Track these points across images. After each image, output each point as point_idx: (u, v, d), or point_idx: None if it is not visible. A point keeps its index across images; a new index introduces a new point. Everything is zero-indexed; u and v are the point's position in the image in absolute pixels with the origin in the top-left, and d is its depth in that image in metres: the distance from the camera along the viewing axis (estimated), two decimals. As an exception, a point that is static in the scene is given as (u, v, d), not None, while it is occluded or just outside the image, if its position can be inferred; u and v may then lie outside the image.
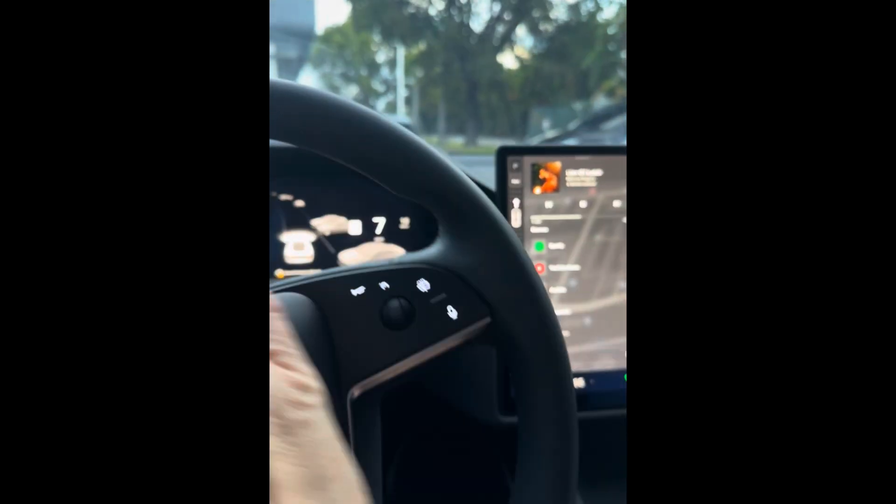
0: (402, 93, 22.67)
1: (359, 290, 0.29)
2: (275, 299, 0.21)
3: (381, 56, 25.66)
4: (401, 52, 22.68)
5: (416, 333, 0.29)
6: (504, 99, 18.89)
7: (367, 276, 0.29)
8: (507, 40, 17.56)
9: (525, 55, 17.99)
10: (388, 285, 0.29)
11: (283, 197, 0.58)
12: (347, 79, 28.86)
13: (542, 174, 0.63)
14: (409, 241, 0.61)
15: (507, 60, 18.87)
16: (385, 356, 0.29)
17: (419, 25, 17.66)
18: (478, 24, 17.90)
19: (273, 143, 0.25)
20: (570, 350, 0.32)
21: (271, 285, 0.28)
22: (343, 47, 25.90)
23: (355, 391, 0.29)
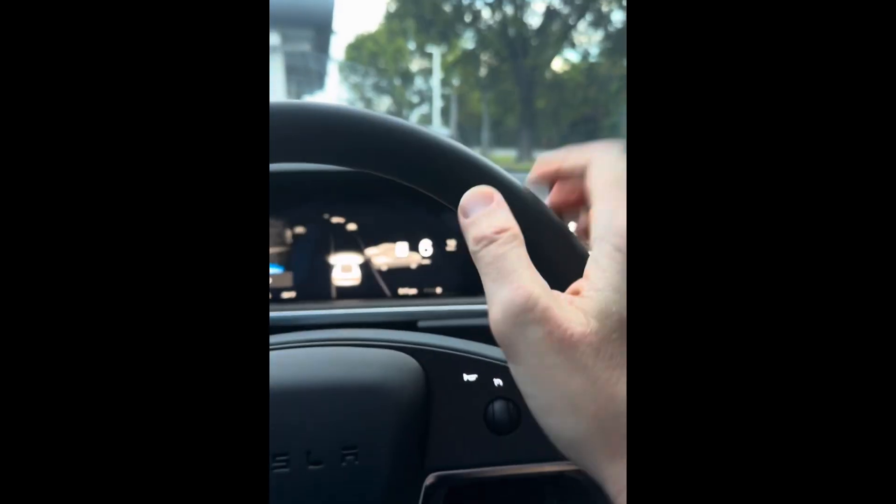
0: (437, 103, 23.10)
1: (471, 377, 0.30)
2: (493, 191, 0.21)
3: (416, 65, 26.29)
4: (437, 58, 23.18)
5: (515, 445, 0.29)
6: (566, 103, 18.11)
7: (484, 365, 0.30)
8: (569, 35, 16.80)
9: (588, 52, 17.30)
10: (501, 383, 0.30)
11: (335, 220, 0.65)
12: (380, 89, 29.71)
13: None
14: (455, 262, 0.67)
15: (567, 59, 18.19)
16: (476, 457, 0.30)
17: (464, 18, 16.58)
18: (532, 18, 16.59)
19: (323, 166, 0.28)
20: None
21: (385, 336, 0.31)
22: (376, 55, 26.79)
23: (432, 478, 0.30)
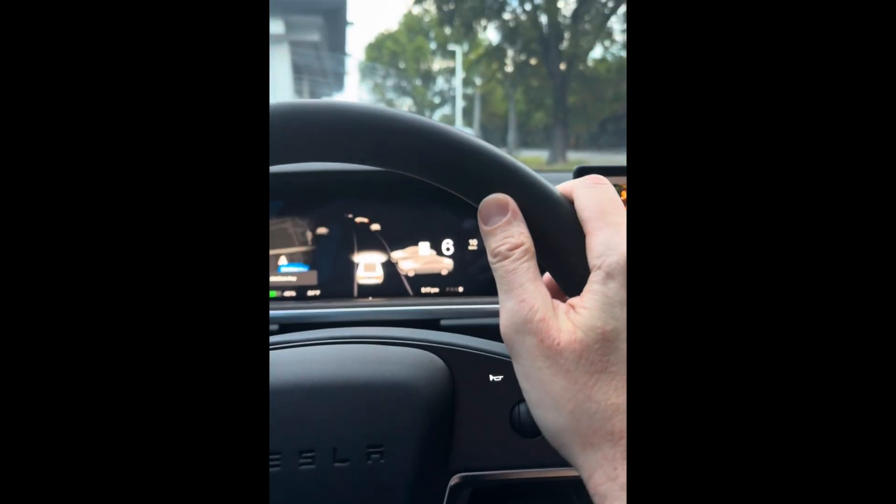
0: (460, 103, 23.14)
1: (497, 378, 0.32)
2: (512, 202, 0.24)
3: (437, 65, 26.38)
4: (459, 56, 23.18)
5: (541, 448, 0.30)
6: (599, 99, 17.54)
7: (510, 367, 0.29)
8: (606, 24, 15.83)
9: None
10: None
11: (359, 219, 0.69)
12: (401, 90, 29.94)
13: (625, 196, 0.71)
14: (477, 261, 0.70)
15: (606, 48, 17.65)
16: (502, 459, 0.31)
17: (488, 8, 15.69)
18: (566, 7, 15.60)
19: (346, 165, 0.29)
20: None
21: (412, 335, 0.33)
22: (396, 55, 27.06)
23: (457, 478, 0.31)
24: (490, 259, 0.24)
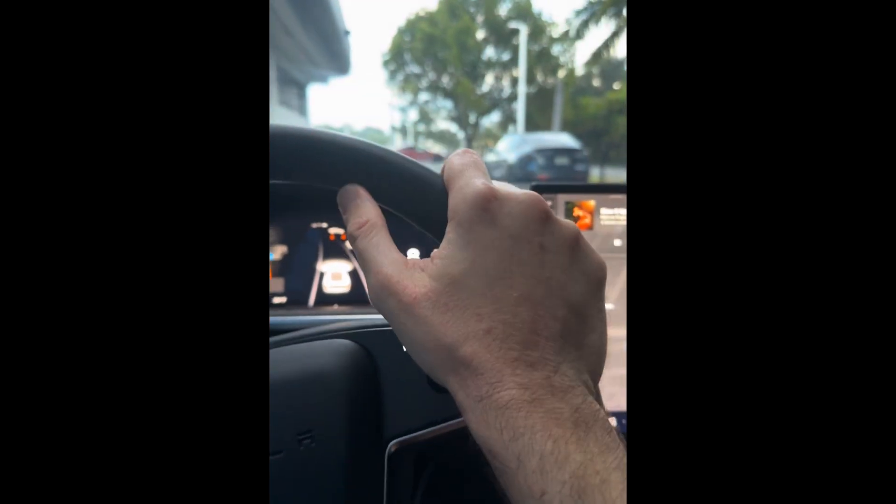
0: (523, 103, 21.85)
1: None
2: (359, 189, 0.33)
3: (486, 55, 25.36)
4: (523, 38, 21.19)
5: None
6: None
7: None
8: None
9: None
10: None
11: (318, 225, 0.89)
12: (437, 89, 28.95)
13: (576, 212, 0.90)
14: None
15: None
16: (429, 416, 0.41)
17: None
18: None
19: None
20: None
21: (324, 329, 0.44)
22: (433, 41, 26.27)
23: (393, 446, 0.41)
24: (350, 243, 0.33)
